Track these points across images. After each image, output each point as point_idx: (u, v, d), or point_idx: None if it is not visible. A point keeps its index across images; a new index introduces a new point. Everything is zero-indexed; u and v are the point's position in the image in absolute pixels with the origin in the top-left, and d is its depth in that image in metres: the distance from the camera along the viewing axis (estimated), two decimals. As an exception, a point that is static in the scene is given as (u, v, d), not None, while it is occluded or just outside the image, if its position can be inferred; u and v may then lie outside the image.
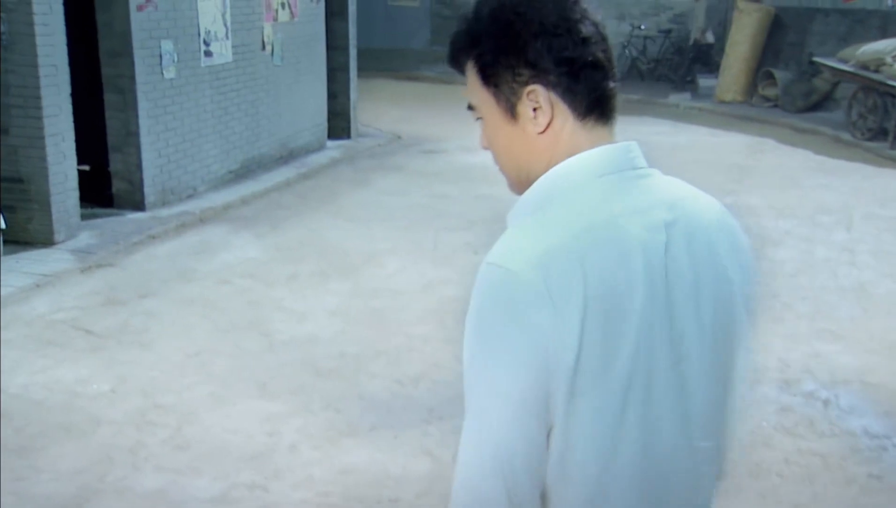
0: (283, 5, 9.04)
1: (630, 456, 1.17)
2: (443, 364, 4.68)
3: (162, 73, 7.23)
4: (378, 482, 3.67)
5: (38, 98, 5.95)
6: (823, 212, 7.88)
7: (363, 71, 11.56)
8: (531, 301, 1.09)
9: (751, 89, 14.04)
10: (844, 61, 11.46)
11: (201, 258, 6.34)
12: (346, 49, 10.59)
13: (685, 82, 15.68)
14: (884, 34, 11.84)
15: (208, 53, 7.77)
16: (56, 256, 6.06)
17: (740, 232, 1.31)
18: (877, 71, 10.61)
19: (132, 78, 6.92)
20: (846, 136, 11.18)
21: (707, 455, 1.27)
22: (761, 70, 13.91)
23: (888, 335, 5.20)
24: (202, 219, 7.26)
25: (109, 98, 7.02)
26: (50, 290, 5.58)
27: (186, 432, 4.00)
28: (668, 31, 16.36)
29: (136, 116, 7.02)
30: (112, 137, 7.13)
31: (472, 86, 1.25)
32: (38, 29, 5.84)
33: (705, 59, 15.81)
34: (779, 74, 13.41)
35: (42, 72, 5.92)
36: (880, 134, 10.71)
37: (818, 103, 13.04)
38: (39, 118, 5.98)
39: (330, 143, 10.25)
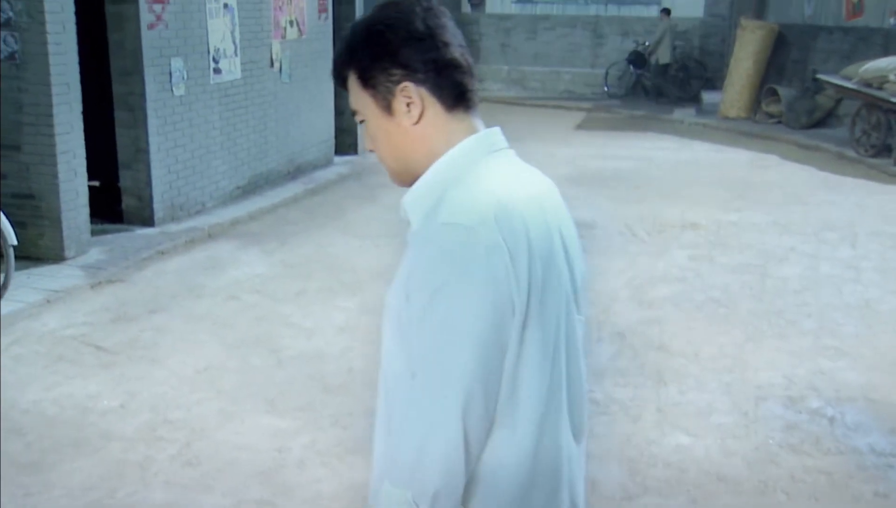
0: (291, 23, 9.12)
1: (559, 382, 1.39)
2: (450, 380, 4.71)
3: (172, 91, 7.31)
4: (386, 498, 3.68)
5: (51, 116, 6.02)
6: (828, 228, 7.91)
7: (369, 87, 11.61)
8: (491, 251, 1.27)
9: (754, 106, 14.10)
10: (848, 78, 11.52)
11: (210, 274, 6.39)
12: (352, 66, 10.64)
13: (674, 98, 15.86)
14: (886, 52, 11.90)
15: (217, 71, 7.85)
16: (66, 272, 6.11)
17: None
18: (880, 88, 10.66)
19: (142, 95, 6.99)
20: (850, 153, 11.22)
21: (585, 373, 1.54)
22: (765, 87, 13.97)
23: (893, 352, 5.22)
24: (210, 235, 7.31)
25: (120, 115, 7.09)
26: (60, 306, 5.63)
27: (196, 447, 4.03)
28: (673, 49, 16.44)
29: (146, 133, 7.09)
30: (122, 154, 7.20)
31: (354, 92, 1.44)
32: (51, 48, 5.92)
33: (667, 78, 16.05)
34: (782, 91, 13.47)
35: (55, 90, 6.00)
36: (884, 151, 10.75)
37: (822, 120, 13.09)
38: (51, 135, 6.05)
39: (337, 159, 10.32)
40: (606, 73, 17.09)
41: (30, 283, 5.82)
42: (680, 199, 8.94)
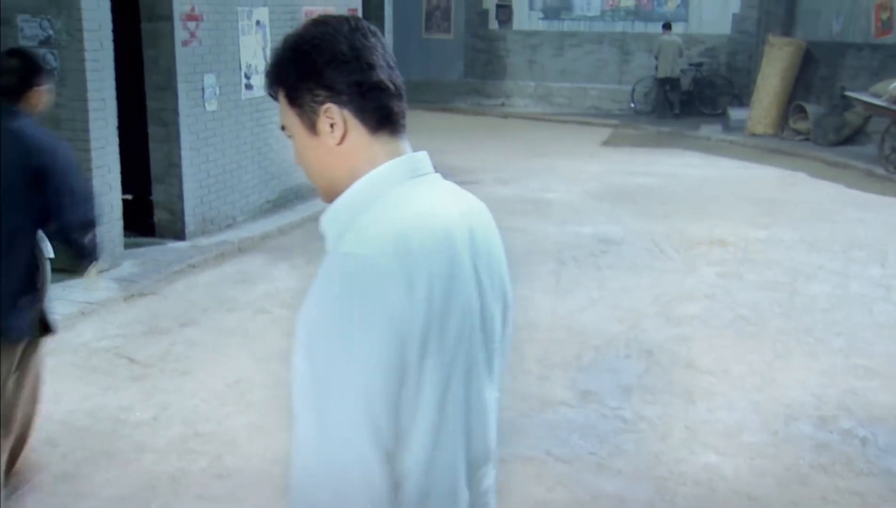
0: (320, 40, 9.22)
1: (457, 408, 1.41)
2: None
3: (204, 106, 7.41)
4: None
5: (87, 131, 6.14)
6: (857, 246, 7.86)
7: (397, 103, 11.69)
8: (389, 282, 1.29)
9: (782, 122, 14.04)
10: (877, 95, 11.44)
11: (240, 288, 6.46)
12: (381, 82, 10.74)
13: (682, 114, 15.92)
14: (917, 69, 11.83)
15: (249, 86, 7.95)
16: (100, 285, 6.18)
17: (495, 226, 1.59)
18: (910, 106, 10.60)
19: (176, 111, 7.10)
20: (879, 170, 11.14)
21: (496, 404, 1.55)
22: (792, 103, 13.91)
23: (924, 373, 5.18)
24: (241, 249, 7.39)
25: (153, 130, 7.21)
26: (95, 318, 5.72)
27: (227, 461, 4.08)
28: (699, 65, 16.44)
29: (179, 148, 7.20)
30: (155, 168, 7.31)
31: (283, 109, 1.45)
32: (88, 65, 6.04)
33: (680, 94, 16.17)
34: (810, 108, 13.41)
35: (91, 106, 6.11)
36: (914, 168, 10.68)
37: (850, 137, 13.00)
38: (87, 150, 6.17)
39: (364, 174, 10.38)
40: (633, 90, 17.10)
41: (65, 296, 5.90)
42: (707, 216, 8.93)
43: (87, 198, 3.58)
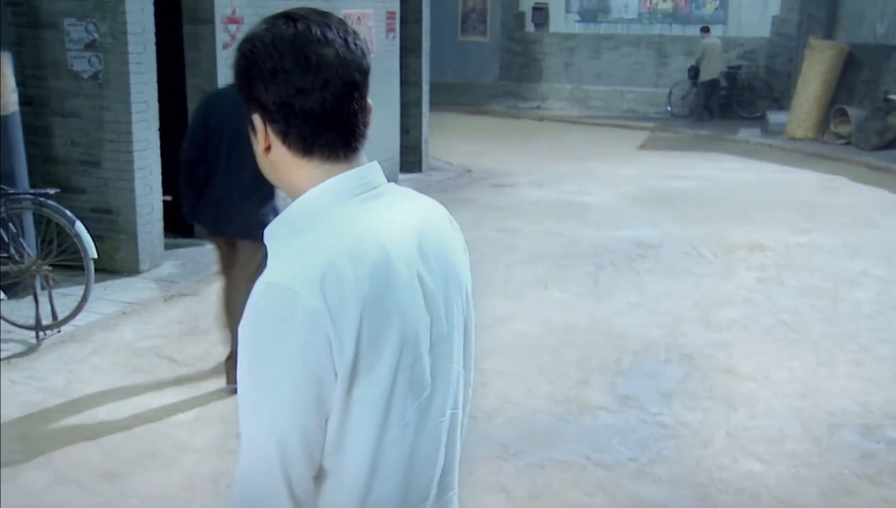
0: (358, 42, 9.25)
1: (395, 436, 1.36)
2: (516, 400, 4.72)
3: (243, 109, 7.46)
4: (455, 517, 3.70)
5: (130, 133, 6.21)
6: (901, 253, 7.73)
7: (434, 105, 11.73)
8: (310, 318, 1.23)
9: (823, 126, 13.85)
10: (922, 99, 11.26)
11: (278, 289, 6.48)
12: (419, 84, 10.78)
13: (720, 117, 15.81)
14: (963, 72, 11.61)
15: (287, 89, 8.00)
16: (141, 285, 6.28)
17: (457, 226, 1.53)
18: (956, 109, 10.40)
19: (215, 113, 7.15)
20: (923, 175, 10.96)
21: (452, 424, 1.48)
22: (834, 107, 13.72)
23: (972, 382, 5.08)
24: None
25: (193, 132, 7.26)
26: (136, 318, 5.78)
27: (267, 461, 4.09)
28: (738, 68, 16.26)
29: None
30: (195, 170, 7.36)
31: None
32: (132, 68, 6.12)
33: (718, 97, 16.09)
34: (852, 112, 13.22)
35: (134, 108, 6.19)
36: (960, 173, 10.47)
37: (893, 141, 12.80)
38: (130, 152, 6.24)
39: (402, 177, 10.41)
40: (670, 93, 16.97)
41: (106, 295, 5.99)
42: (746, 220, 8.83)
43: None
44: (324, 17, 1.34)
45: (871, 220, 8.98)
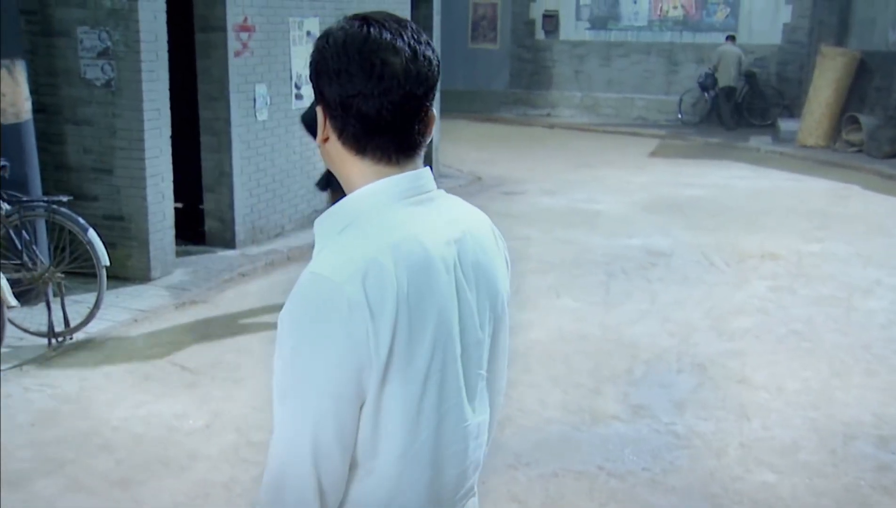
0: (369, 50, 9.27)
1: (428, 436, 1.39)
2: (529, 408, 4.71)
3: (255, 116, 7.49)
4: (468, 526, 3.68)
5: (142, 140, 6.23)
6: (915, 261, 7.69)
7: (444, 112, 11.72)
8: (352, 309, 1.28)
9: (834, 134, 13.80)
10: (935, 107, 11.21)
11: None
12: (428, 92, 10.77)
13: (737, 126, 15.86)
14: (976, 79, 11.55)
15: (299, 96, 8.02)
16: (152, 292, 6.29)
17: (501, 239, 1.57)
18: (969, 117, 10.35)
19: (227, 120, 7.19)
20: (936, 184, 10.90)
21: (477, 430, 1.50)
22: (845, 115, 13.67)
23: None
24: (290, 258, 7.44)
25: (206, 140, 7.29)
26: (147, 325, 5.79)
27: (279, 469, 4.08)
28: (749, 75, 16.22)
29: (230, 157, 7.28)
30: (207, 177, 7.39)
31: None
32: (144, 75, 6.14)
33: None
34: (864, 119, 13.16)
35: (146, 116, 6.21)
36: (973, 181, 10.41)
37: (906, 149, 12.75)
38: (142, 159, 6.26)
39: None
40: (681, 101, 16.95)
41: (118, 303, 6.00)
42: (758, 229, 8.79)
43: None
44: (399, 25, 1.36)
45: (884, 229, 8.93)
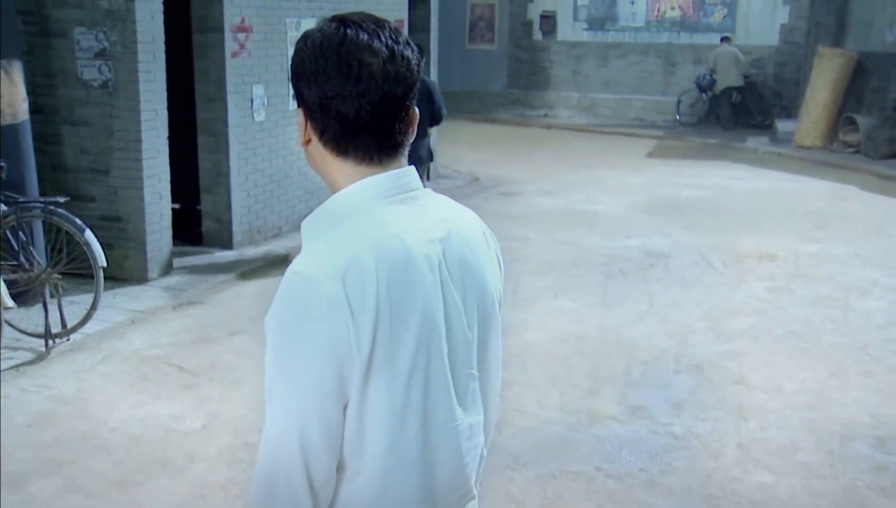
0: (367, 51, 9.27)
1: (413, 434, 1.39)
2: (526, 409, 4.70)
3: (252, 117, 7.48)
4: (465, 528, 3.68)
5: (139, 141, 6.22)
6: (912, 262, 7.69)
7: (442, 113, 11.71)
8: (332, 307, 1.28)
9: (831, 135, 13.81)
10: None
11: (287, 297, 6.47)
12: (426, 93, 10.77)
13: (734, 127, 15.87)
14: (973, 80, 11.56)
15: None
16: (149, 293, 6.28)
17: (493, 238, 1.58)
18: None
19: (225, 121, 7.18)
20: (934, 184, 10.91)
21: (469, 431, 1.49)
22: (843, 115, 13.69)
23: None
24: (287, 259, 7.43)
25: (203, 140, 7.28)
26: (145, 326, 5.78)
27: (276, 470, 4.08)
28: (746, 76, 16.23)
29: (228, 158, 7.27)
30: (204, 178, 7.38)
31: None
32: (141, 76, 6.13)
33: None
34: (861, 120, 13.17)
35: (143, 116, 6.20)
36: (970, 182, 10.42)
37: (903, 150, 12.76)
38: (139, 160, 6.25)
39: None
40: (679, 101, 16.96)
41: (115, 304, 5.99)
42: (756, 229, 8.80)
43: (443, 106, 7.24)
44: (377, 25, 1.37)
45: (881, 229, 8.94)
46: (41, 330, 5.30)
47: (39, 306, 5.34)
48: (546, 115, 18.33)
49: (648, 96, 17.70)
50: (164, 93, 6.41)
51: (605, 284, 6.98)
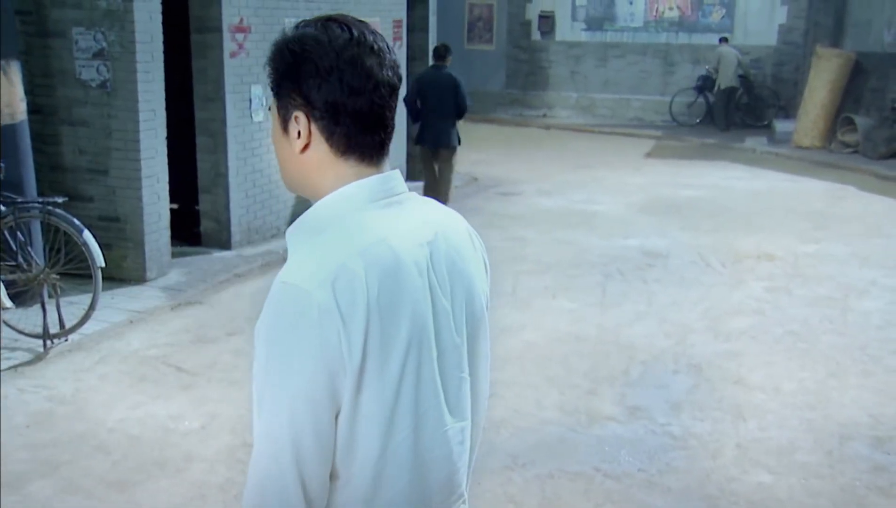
0: (365, 51, 9.26)
1: (403, 439, 1.38)
2: (525, 410, 4.70)
3: (251, 117, 7.48)
4: (464, 528, 3.68)
5: (137, 141, 6.21)
6: (910, 262, 7.69)
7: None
8: (322, 316, 1.27)
9: (830, 135, 13.82)
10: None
11: (285, 298, 6.47)
12: (424, 93, 10.76)
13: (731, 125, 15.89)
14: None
15: (294, 98, 8.01)
16: (148, 293, 6.27)
17: (479, 240, 1.56)
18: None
19: (223, 121, 7.17)
20: (932, 184, 10.91)
21: (460, 435, 1.49)
22: (841, 116, 13.69)
23: (984, 393, 5.04)
24: (285, 259, 7.40)
25: (201, 141, 7.28)
26: (143, 326, 5.77)
27: (275, 471, 4.07)
28: (744, 77, 16.25)
29: (226, 158, 7.26)
30: (202, 178, 7.38)
31: (271, 91, 1.44)
32: (139, 76, 6.12)
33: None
34: (859, 120, 13.18)
35: (141, 116, 6.19)
36: (968, 182, 10.43)
37: (901, 150, 12.77)
38: (137, 160, 6.25)
39: (409, 185, 10.36)
40: (671, 103, 17.00)
41: (114, 304, 5.98)
42: (754, 229, 8.80)
43: (466, 98, 7.91)
44: (365, 26, 1.39)
45: (880, 230, 8.95)
46: (39, 330, 5.30)
47: (38, 306, 5.33)
48: (545, 115, 18.33)
49: (647, 96, 17.70)
50: (163, 94, 6.40)
51: (603, 284, 6.98)
